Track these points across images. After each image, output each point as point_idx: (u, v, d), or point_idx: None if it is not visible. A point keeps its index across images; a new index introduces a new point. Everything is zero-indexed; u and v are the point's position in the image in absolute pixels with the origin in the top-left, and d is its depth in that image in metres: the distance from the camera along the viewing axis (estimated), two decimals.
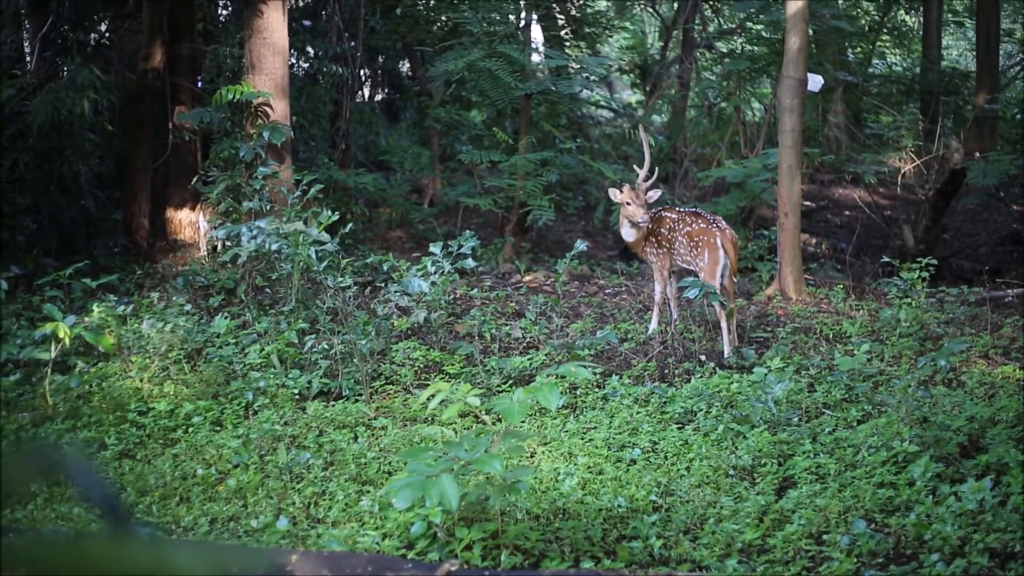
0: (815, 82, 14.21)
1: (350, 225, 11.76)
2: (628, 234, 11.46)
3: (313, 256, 10.38)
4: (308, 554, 5.64)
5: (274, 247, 10.55)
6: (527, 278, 14.61)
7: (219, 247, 13.74)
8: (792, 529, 6.61)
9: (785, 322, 11.91)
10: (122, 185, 16.55)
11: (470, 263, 11.00)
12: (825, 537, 6.57)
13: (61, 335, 8.77)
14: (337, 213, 11.10)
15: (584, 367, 6.87)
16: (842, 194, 21.72)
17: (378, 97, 26.70)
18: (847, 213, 20.34)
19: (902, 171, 19.25)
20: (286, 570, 5.52)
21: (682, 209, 11.72)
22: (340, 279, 10.46)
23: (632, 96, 30.19)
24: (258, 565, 5.51)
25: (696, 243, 11.04)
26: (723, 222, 11.24)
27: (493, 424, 7.97)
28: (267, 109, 13.24)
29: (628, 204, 11.23)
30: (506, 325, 11.60)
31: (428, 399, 6.70)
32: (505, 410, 6.38)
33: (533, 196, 15.87)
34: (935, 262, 11.61)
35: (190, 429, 8.79)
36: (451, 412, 6.61)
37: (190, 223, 16.28)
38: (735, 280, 11.34)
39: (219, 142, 13.70)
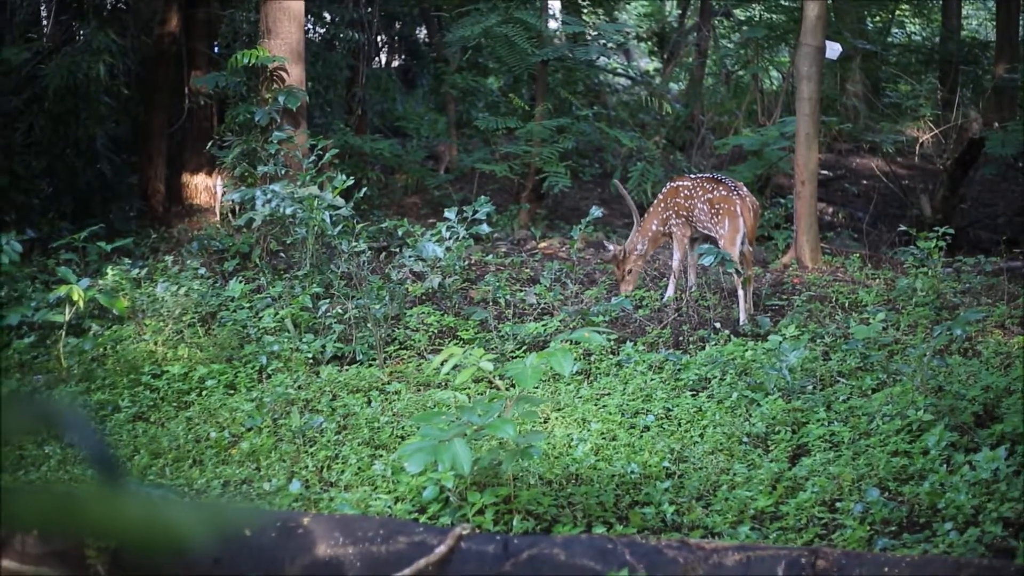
0: (833, 50, 14.12)
1: (364, 190, 11.73)
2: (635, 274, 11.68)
3: (328, 220, 10.36)
4: (320, 517, 5.63)
5: (288, 211, 10.53)
6: (542, 244, 14.59)
7: (236, 211, 13.74)
8: (805, 496, 6.60)
9: (801, 290, 11.86)
10: (138, 149, 16.55)
11: (485, 229, 10.98)
12: (838, 505, 6.56)
13: (75, 298, 8.77)
14: (352, 178, 11.08)
15: (598, 333, 6.85)
16: (859, 163, 21.61)
17: (394, 63, 26.62)
18: (864, 182, 20.24)
19: (920, 141, 19.15)
20: (298, 532, 5.52)
21: (698, 175, 11.69)
22: (354, 244, 10.44)
23: (649, 64, 30.06)
24: (270, 526, 5.52)
25: (717, 210, 11.02)
26: (744, 189, 11.21)
27: (506, 389, 7.97)
28: (283, 74, 13.22)
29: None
30: (521, 291, 11.57)
31: (442, 364, 6.67)
32: (518, 375, 6.36)
33: (549, 163, 15.84)
34: (952, 231, 11.56)
35: (203, 392, 8.79)
36: (464, 377, 6.60)
37: (206, 188, 16.28)
38: (752, 248, 11.31)
39: (235, 107, 13.68)
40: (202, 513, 1.26)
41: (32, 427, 1.41)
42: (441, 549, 5.39)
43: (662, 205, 11.54)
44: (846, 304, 11.26)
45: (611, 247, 11.68)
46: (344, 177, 10.78)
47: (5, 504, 1.26)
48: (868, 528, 6.23)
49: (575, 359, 8.17)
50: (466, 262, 12.02)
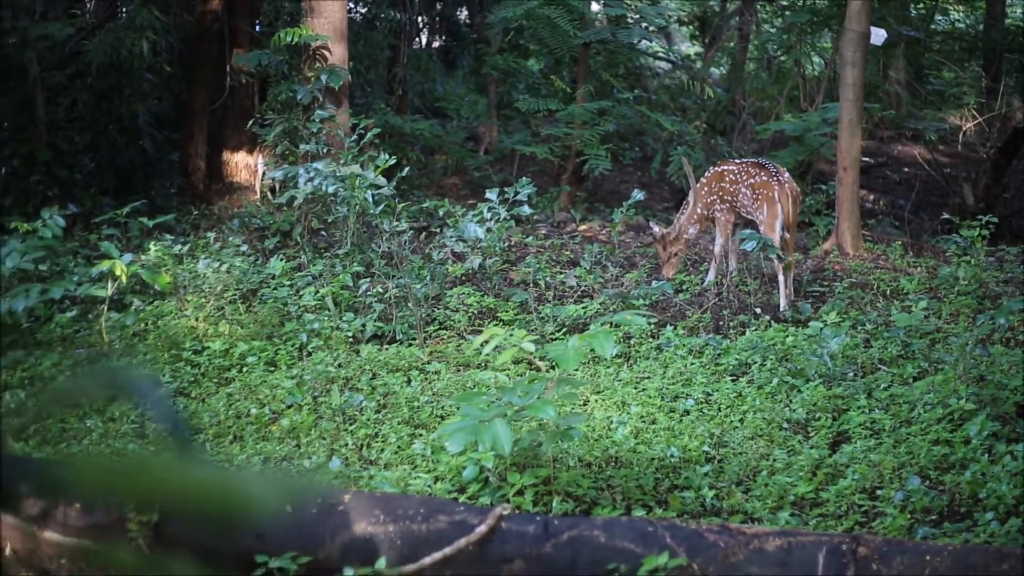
0: (878, 36, 14.02)
1: (407, 170, 11.73)
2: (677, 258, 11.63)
3: (370, 200, 10.37)
4: (361, 494, 5.65)
5: (331, 189, 10.54)
6: (582, 227, 14.57)
7: (276, 189, 13.78)
8: (846, 484, 6.58)
9: (842, 277, 11.81)
10: (179, 126, 16.59)
11: (526, 210, 10.97)
12: (879, 492, 6.54)
13: (118, 273, 8.80)
14: (394, 157, 11.08)
15: (640, 316, 6.84)
16: (901, 151, 21.48)
17: (435, 44, 26.60)
18: (905, 170, 20.12)
19: (963, 129, 19.01)
20: (338, 509, 5.53)
21: (743, 160, 11.67)
22: (396, 223, 10.46)
23: (691, 48, 29.92)
24: (311, 502, 5.54)
25: (757, 196, 11.00)
26: (785, 175, 11.17)
27: (546, 371, 7.97)
28: (325, 53, 13.23)
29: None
30: (560, 273, 11.56)
31: (483, 344, 6.68)
32: (560, 357, 6.36)
33: (590, 145, 15.81)
34: (996, 220, 11.48)
35: (244, 369, 8.82)
36: (505, 357, 6.60)
37: (246, 166, 16.31)
38: (794, 234, 11.27)
39: (276, 85, 13.70)
40: (271, 484, 1.26)
41: (108, 394, 1.42)
42: (482, 529, 5.39)
43: (705, 189, 11.51)
44: (887, 292, 11.21)
45: (655, 229, 11.66)
46: (387, 156, 10.78)
47: (75, 472, 1.26)
48: (909, 516, 6.21)
49: (615, 342, 8.14)
50: (506, 243, 12.01)
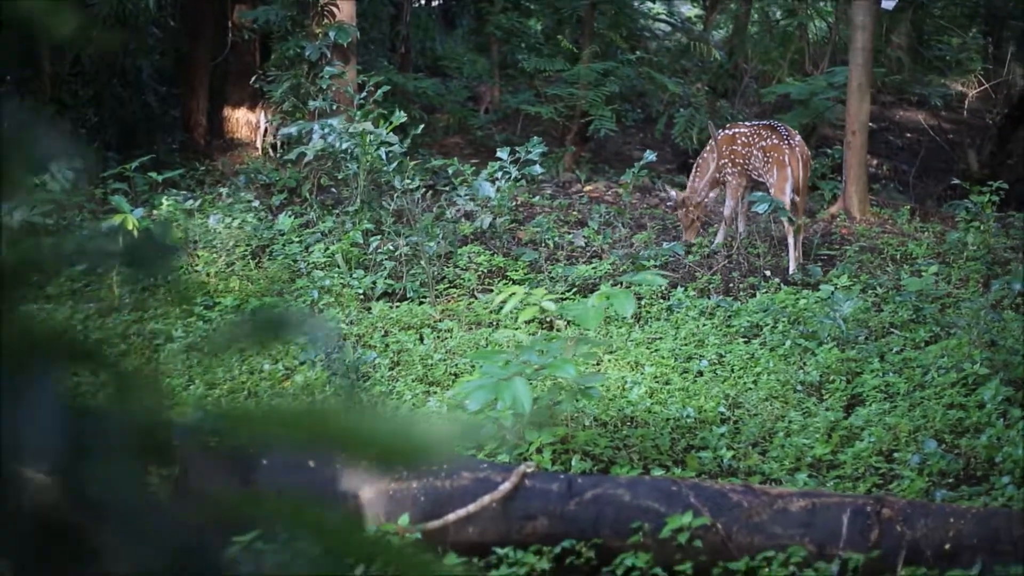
0: (889, 0, 13.98)
1: (422, 126, 11.70)
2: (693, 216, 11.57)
3: (383, 157, 10.34)
4: None
5: (344, 146, 10.51)
6: (588, 188, 14.53)
7: (278, 146, 13.71)
8: (863, 446, 6.59)
9: (850, 241, 11.81)
10: (180, 82, 16.50)
11: (537, 170, 10.96)
12: (895, 455, 6.55)
13: (130, 227, 8.76)
14: (405, 114, 11.04)
15: (658, 275, 6.83)
16: (902, 116, 21.44)
17: (435, 2, 26.44)
18: (908, 135, 20.10)
19: (969, 95, 18.98)
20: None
21: (754, 123, 11.64)
22: (407, 181, 10.43)
23: (691, 10, 29.79)
24: (335, 457, 5.52)
25: (768, 158, 10.99)
26: (797, 138, 11.17)
27: (560, 330, 7.96)
28: (333, 9, 13.14)
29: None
30: (569, 234, 11.53)
31: (502, 303, 6.66)
32: (580, 316, 6.36)
33: (595, 106, 15.77)
34: (1006, 186, 11.47)
35: None
36: (527, 315, 6.58)
37: (247, 122, 16.21)
38: (804, 197, 11.27)
39: (283, 41, 13.62)
40: (444, 429, 1.25)
41: (280, 338, 1.40)
42: (506, 486, 5.40)
43: (715, 154, 11.47)
44: (896, 256, 11.20)
45: (672, 193, 11.63)
46: (401, 113, 10.74)
47: (234, 419, 1.25)
48: (926, 480, 6.22)
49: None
50: (513, 203, 11.98)
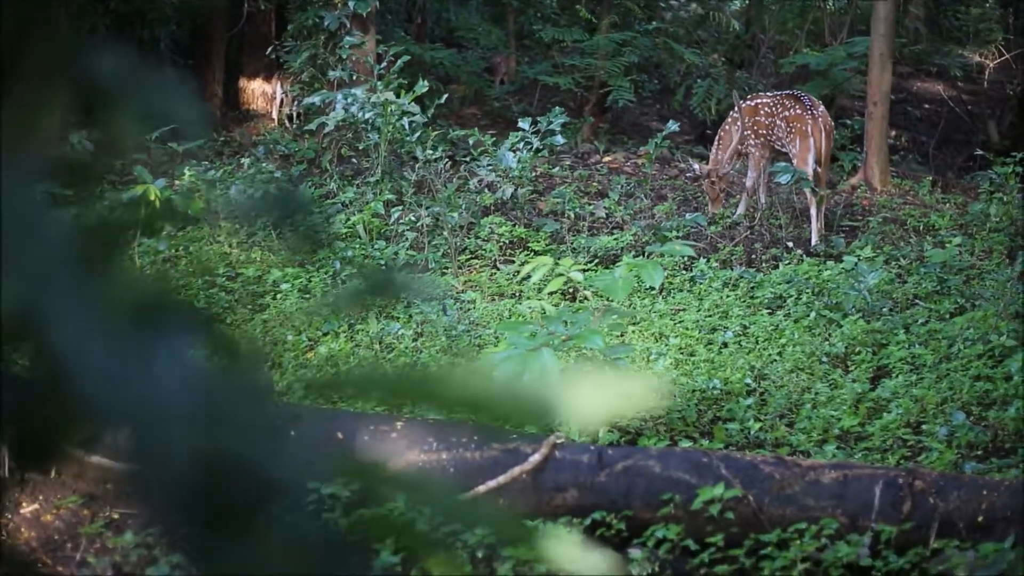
0: None
1: (444, 96, 11.65)
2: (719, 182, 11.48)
3: (406, 127, 10.31)
4: (414, 422, 5.63)
5: (368, 116, 10.47)
6: (607, 159, 14.48)
7: (293, 116, 13.66)
8: (890, 418, 6.56)
9: (872, 212, 11.76)
10: (196, 53, 16.47)
11: (559, 140, 10.91)
12: (923, 427, 6.53)
13: (152, 198, 8.74)
14: (426, 84, 11.00)
15: (686, 245, 6.81)
16: (920, 87, 21.32)
17: None
18: (926, 106, 19.99)
19: (988, 65, 18.87)
20: (391, 436, 5.52)
21: (777, 93, 11.60)
22: (430, 152, 10.39)
23: None
24: (363, 429, 5.51)
25: (791, 128, 10.95)
26: (820, 108, 11.13)
27: (583, 301, 7.93)
28: None
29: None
30: (589, 204, 11.49)
31: (529, 273, 6.63)
32: (608, 286, 6.33)
33: (614, 76, 15.71)
34: None
35: (278, 296, 8.79)
36: (554, 286, 6.57)
37: (262, 93, 16.18)
38: (827, 168, 11.24)
39: (303, 11, 13.56)
40: (551, 392, 1.23)
41: (377, 293, 1.39)
42: (536, 457, 5.39)
43: (738, 125, 11.41)
44: (919, 228, 11.15)
45: (696, 166, 11.59)
46: (424, 82, 10.70)
47: (347, 379, 1.23)
48: (955, 452, 6.19)
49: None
50: (533, 174, 11.94)
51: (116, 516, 5.49)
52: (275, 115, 15.32)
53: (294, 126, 14.26)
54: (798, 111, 11.00)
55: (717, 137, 11.75)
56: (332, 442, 5.31)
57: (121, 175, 10.83)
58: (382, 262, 9.48)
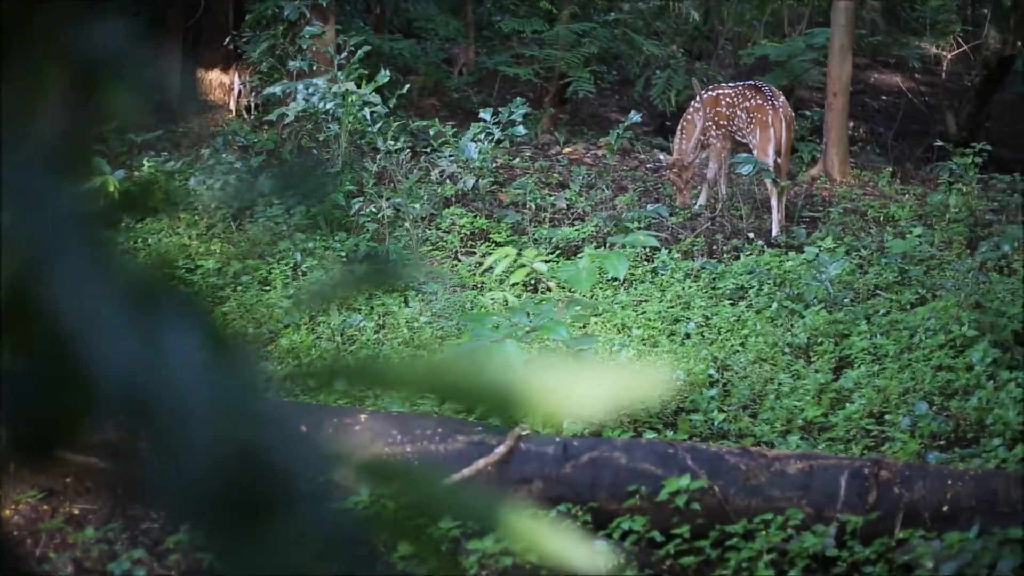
0: None
1: (407, 87, 11.60)
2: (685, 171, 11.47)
3: (368, 117, 10.25)
4: (377, 414, 5.60)
5: (329, 106, 10.41)
6: (567, 150, 14.46)
7: (251, 107, 13.57)
8: (853, 408, 6.57)
9: (832, 203, 11.80)
10: (154, 43, 16.35)
11: (520, 131, 10.89)
12: (886, 417, 6.54)
13: (111, 189, 8.66)
14: (388, 74, 10.95)
15: (650, 236, 6.79)
16: (878, 79, 21.42)
17: None
18: (884, 98, 20.08)
19: (947, 57, 18.97)
20: (355, 429, 5.48)
21: (738, 83, 11.61)
22: (391, 142, 10.35)
23: None
24: (327, 422, 5.47)
25: (752, 119, 10.97)
26: (781, 99, 11.16)
27: (545, 292, 7.92)
28: None
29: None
30: (551, 196, 11.47)
31: (492, 264, 6.60)
32: (572, 277, 6.30)
33: (574, 67, 15.69)
34: (989, 148, 11.47)
35: (239, 288, 8.72)
36: (517, 277, 6.54)
37: (220, 84, 16.06)
38: (788, 159, 11.27)
39: (262, 1, 13.47)
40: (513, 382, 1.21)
41: (383, 282, 1.36)
42: (501, 449, 5.36)
43: (700, 114, 11.41)
44: (879, 218, 11.20)
45: (662, 157, 11.60)
46: (386, 72, 10.65)
47: (344, 368, 1.21)
48: (918, 442, 6.21)
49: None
50: (494, 165, 11.90)
51: (76, 511, 5.42)
52: (233, 106, 15.21)
53: (252, 117, 14.16)
54: (759, 101, 11.03)
55: (680, 127, 11.74)
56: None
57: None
58: (343, 254, 9.44)
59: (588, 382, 1.23)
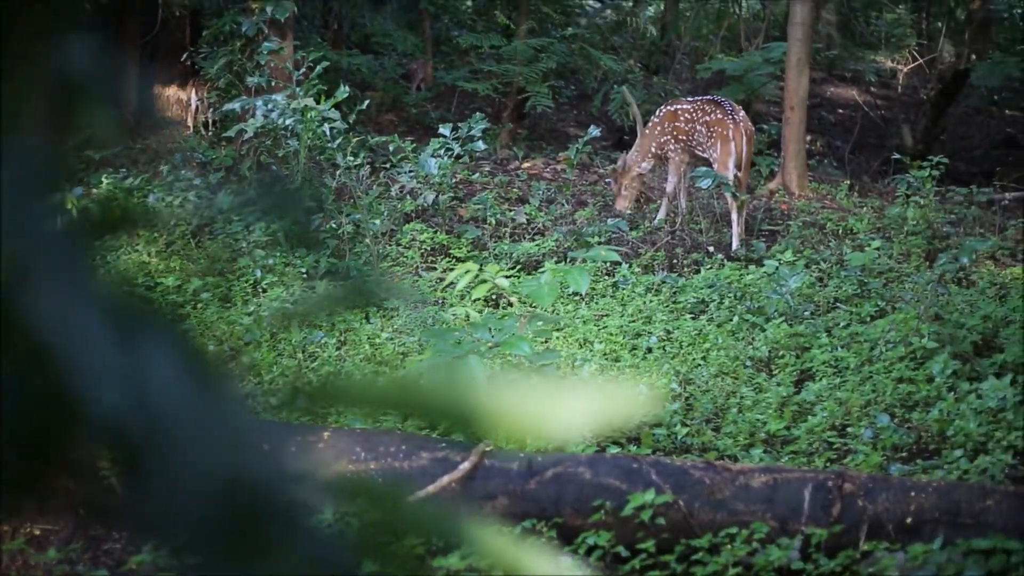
0: None
1: (366, 102, 11.58)
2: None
3: (327, 133, 10.22)
4: (341, 431, 5.57)
5: (289, 122, 10.38)
6: (526, 164, 14.47)
7: (209, 124, 13.52)
8: (816, 421, 6.58)
9: (791, 216, 11.86)
10: (115, 60, 16.26)
11: (480, 146, 10.89)
12: (848, 430, 6.56)
13: (69, 206, 8.59)
14: (348, 90, 10.92)
15: (612, 251, 6.80)
16: (834, 92, 21.56)
17: None
18: (840, 111, 20.21)
19: (903, 70, 19.11)
20: (318, 447, 5.45)
21: (698, 98, 11.65)
22: (350, 158, 10.32)
23: None
24: (289, 440, 5.44)
25: (712, 133, 11.00)
26: (740, 113, 11.20)
27: (507, 307, 7.91)
28: None
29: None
30: (510, 210, 11.48)
31: (454, 280, 6.59)
32: (535, 293, 6.29)
33: (532, 82, 15.71)
34: (946, 161, 11.55)
35: (199, 305, 8.67)
36: (480, 292, 6.53)
37: (177, 100, 15.99)
38: (748, 173, 11.31)
39: (219, 17, 13.43)
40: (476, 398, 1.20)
41: (360, 300, 1.35)
42: (465, 466, 5.35)
43: (659, 128, 11.45)
44: (838, 231, 11.26)
45: (620, 161, 11.66)
46: (345, 88, 10.63)
47: (333, 390, 1.20)
48: (880, 454, 6.23)
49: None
50: (454, 180, 11.90)
51: (38, 532, 5.37)
52: (191, 122, 15.14)
53: (210, 133, 14.10)
54: (719, 116, 11.07)
55: (639, 135, 11.77)
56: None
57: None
58: (303, 271, 9.40)
59: (559, 401, 1.22)
